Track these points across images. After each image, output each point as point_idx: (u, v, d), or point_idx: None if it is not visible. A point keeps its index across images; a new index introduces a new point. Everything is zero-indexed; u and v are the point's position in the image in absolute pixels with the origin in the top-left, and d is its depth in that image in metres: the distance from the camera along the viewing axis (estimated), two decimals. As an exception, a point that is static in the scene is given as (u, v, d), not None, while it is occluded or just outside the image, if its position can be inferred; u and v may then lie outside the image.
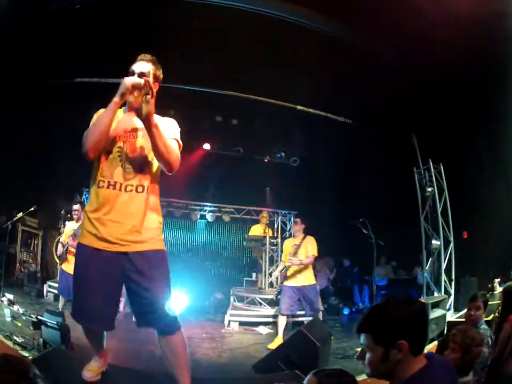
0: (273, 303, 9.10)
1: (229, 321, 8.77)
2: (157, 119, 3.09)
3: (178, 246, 13.16)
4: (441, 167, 8.85)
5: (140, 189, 3.19)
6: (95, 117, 3.25)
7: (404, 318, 2.01)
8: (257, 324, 8.83)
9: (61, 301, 7.42)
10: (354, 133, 9.98)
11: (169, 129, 3.28)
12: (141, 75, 3.21)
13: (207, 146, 12.43)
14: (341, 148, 10.81)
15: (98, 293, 3.12)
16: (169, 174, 3.27)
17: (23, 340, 5.16)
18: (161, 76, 3.43)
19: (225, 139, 12.39)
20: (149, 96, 2.93)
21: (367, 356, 2.03)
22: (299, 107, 9.70)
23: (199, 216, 12.83)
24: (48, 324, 5.29)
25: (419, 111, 8.30)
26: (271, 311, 9.05)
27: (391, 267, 11.79)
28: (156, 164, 3.29)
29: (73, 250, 6.97)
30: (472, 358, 3.49)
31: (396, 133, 9.17)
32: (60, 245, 7.22)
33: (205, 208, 12.92)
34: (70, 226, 7.33)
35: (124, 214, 3.13)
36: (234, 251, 13.62)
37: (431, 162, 8.87)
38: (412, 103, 8.16)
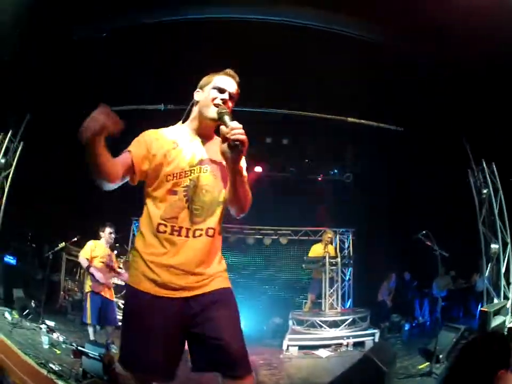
0: (333, 324, 8.84)
1: (288, 345, 8.48)
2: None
3: (234, 271, 12.93)
4: (494, 166, 8.33)
5: (210, 232, 2.70)
6: (137, 138, 2.77)
7: None
8: (317, 347, 8.48)
9: (91, 328, 7.20)
10: (404, 142, 9.62)
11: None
12: (231, 99, 2.78)
13: (258, 168, 12.36)
14: (392, 158, 10.42)
15: (161, 343, 2.59)
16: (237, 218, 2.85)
17: (60, 368, 5.16)
18: None
19: (276, 160, 12.27)
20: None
21: None
22: (350, 119, 9.49)
23: (255, 240, 12.66)
24: (90, 354, 5.29)
25: (467, 111, 7.87)
26: (332, 333, 8.73)
27: (450, 277, 11.15)
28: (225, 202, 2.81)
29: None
30: None
31: (446, 136, 8.72)
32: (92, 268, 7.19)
33: (261, 231, 12.75)
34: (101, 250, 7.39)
35: (192, 261, 2.64)
36: (293, 273, 13.22)
37: (484, 163, 8.40)
38: (459, 104, 7.77)
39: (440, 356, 6.36)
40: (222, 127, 2.50)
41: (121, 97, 8.62)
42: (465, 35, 6.14)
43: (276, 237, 12.84)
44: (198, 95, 2.83)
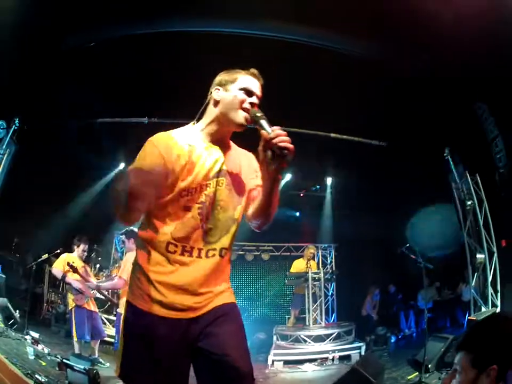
0: (318, 339, 8.81)
1: (273, 360, 8.42)
2: (239, 151, 2.56)
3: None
4: (478, 177, 8.46)
5: (223, 252, 2.44)
6: (148, 148, 2.37)
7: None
8: (302, 362, 8.44)
9: (77, 344, 7.04)
10: (387, 157, 9.71)
11: (255, 169, 2.52)
12: (255, 102, 2.44)
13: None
14: (375, 173, 10.52)
15: (168, 364, 2.35)
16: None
17: (46, 380, 5.08)
18: None
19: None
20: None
21: (456, 380, 1.87)
22: (332, 135, 9.53)
23: (236, 256, 12.54)
24: (75, 368, 5.22)
25: (449, 124, 8.05)
26: (317, 347, 8.71)
27: (435, 288, 11.23)
28: (239, 219, 2.53)
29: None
30: None
31: (429, 149, 8.87)
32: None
33: (243, 247, 12.65)
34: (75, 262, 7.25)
35: (201, 280, 2.37)
36: (275, 289, 13.18)
37: (468, 174, 8.50)
38: (441, 117, 7.93)
39: (429, 366, 6.35)
40: (264, 132, 2.16)
41: (106, 108, 8.61)
42: (444, 48, 6.33)
43: (258, 253, 12.79)
44: (218, 94, 2.45)
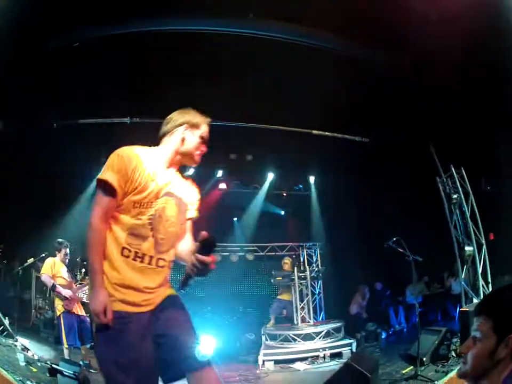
0: (308, 337, 8.79)
1: (263, 360, 8.35)
2: (185, 181, 2.99)
3: (205, 289, 12.68)
4: (463, 171, 8.54)
5: (170, 265, 2.83)
6: (116, 161, 2.69)
7: None
8: (293, 361, 8.39)
9: (67, 350, 6.89)
10: (370, 153, 9.77)
11: (193, 202, 3.00)
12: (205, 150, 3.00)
13: (223, 185, 12.31)
14: (358, 170, 10.56)
15: (144, 354, 2.64)
16: None
17: (38, 386, 4.99)
18: None
19: (241, 176, 12.25)
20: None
21: (475, 348, 1.76)
22: (314, 131, 9.59)
23: (221, 258, 12.45)
24: (65, 373, 5.13)
25: (433, 119, 8.10)
26: (307, 345, 8.67)
27: (424, 283, 11.29)
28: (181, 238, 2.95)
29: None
30: None
31: (413, 145, 8.93)
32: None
33: (228, 248, 12.56)
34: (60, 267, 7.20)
35: (153, 284, 2.72)
36: (261, 289, 13.23)
37: (453, 169, 8.57)
38: (424, 112, 7.98)
39: (424, 359, 6.36)
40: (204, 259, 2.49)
41: (90, 109, 8.49)
42: (429, 43, 6.33)
43: (243, 254, 12.70)
44: (186, 135, 2.89)
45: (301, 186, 12.67)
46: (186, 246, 2.86)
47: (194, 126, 2.91)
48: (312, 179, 12.54)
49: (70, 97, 7.76)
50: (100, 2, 6.35)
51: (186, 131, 2.88)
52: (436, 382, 5.48)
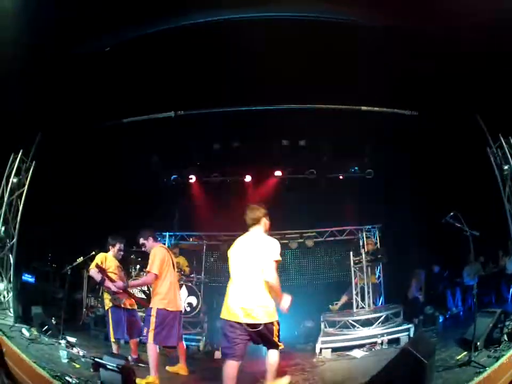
0: (366, 323, 8.64)
1: (321, 348, 8.26)
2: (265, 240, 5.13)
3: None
4: (512, 140, 7.96)
5: None
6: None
7: None
8: (351, 348, 8.23)
9: (114, 345, 7.06)
10: (419, 127, 9.40)
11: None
12: None
13: (278, 173, 12.22)
14: (409, 146, 10.12)
15: None
16: None
17: (77, 381, 5.11)
18: None
19: (295, 162, 12.16)
20: None
21: None
22: (364, 108, 9.45)
23: (280, 245, 12.35)
24: (108, 366, 5.13)
25: (477, 88, 7.66)
26: (365, 332, 8.51)
27: (480, 263, 10.67)
28: None
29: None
30: None
31: (461, 115, 8.47)
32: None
33: (286, 235, 12.51)
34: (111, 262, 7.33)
35: None
36: (320, 275, 12.99)
37: (502, 138, 7.99)
38: (469, 81, 7.61)
39: (478, 343, 6.01)
40: None
41: (130, 109, 8.65)
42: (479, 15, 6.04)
43: (302, 240, 12.60)
44: None
45: (356, 168, 12.35)
46: None
47: None
48: (366, 159, 12.20)
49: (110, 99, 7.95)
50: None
51: None
52: (487, 368, 5.15)
